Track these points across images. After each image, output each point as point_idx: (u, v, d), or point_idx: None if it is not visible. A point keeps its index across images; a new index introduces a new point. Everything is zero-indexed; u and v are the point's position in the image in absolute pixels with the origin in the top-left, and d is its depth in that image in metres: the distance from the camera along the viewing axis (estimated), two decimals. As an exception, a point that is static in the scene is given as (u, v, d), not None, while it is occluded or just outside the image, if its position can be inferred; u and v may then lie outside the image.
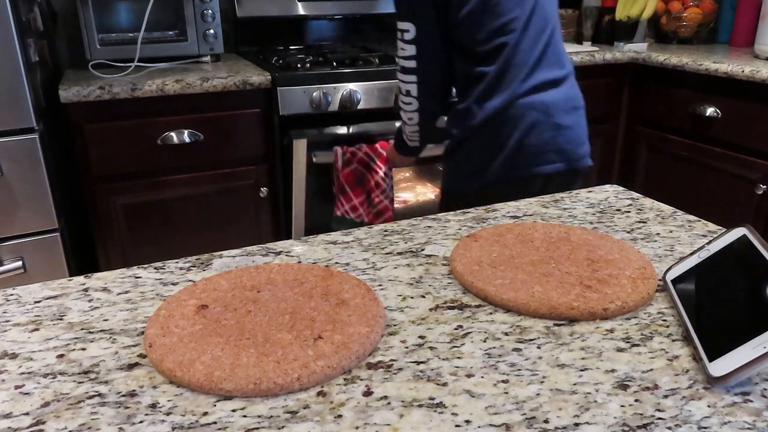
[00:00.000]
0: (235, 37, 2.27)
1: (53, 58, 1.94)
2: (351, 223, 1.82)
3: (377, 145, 1.82)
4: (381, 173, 1.80)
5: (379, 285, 0.65)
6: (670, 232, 0.78)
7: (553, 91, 1.30)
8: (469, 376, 0.50)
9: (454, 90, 1.40)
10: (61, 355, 0.53)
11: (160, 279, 0.67)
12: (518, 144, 1.28)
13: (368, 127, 1.87)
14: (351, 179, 1.80)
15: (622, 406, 0.46)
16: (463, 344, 0.54)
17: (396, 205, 1.91)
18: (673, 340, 0.55)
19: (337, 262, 0.70)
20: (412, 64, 1.33)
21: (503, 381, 0.49)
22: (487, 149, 1.31)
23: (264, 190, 1.90)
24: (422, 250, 0.73)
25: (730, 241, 0.58)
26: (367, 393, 0.48)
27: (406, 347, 0.54)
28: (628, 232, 0.78)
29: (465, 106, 1.32)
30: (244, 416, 0.46)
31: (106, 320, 0.59)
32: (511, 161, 1.29)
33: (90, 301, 0.62)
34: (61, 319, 0.59)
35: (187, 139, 1.76)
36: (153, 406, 0.47)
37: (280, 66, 1.90)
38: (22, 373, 0.51)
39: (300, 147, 1.80)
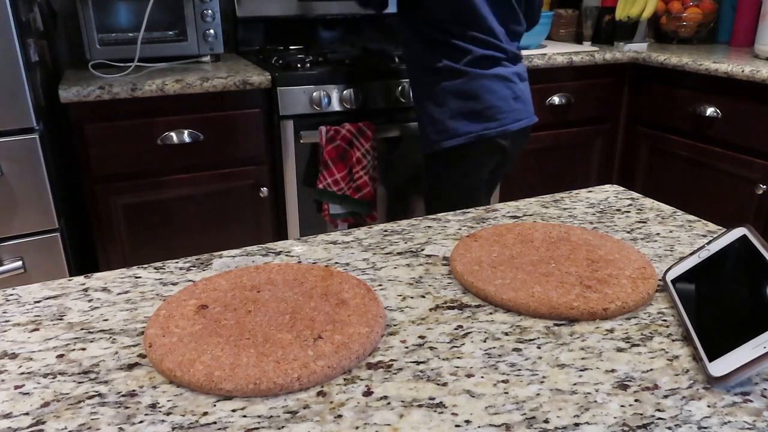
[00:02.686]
0: (235, 37, 2.27)
1: (53, 58, 1.94)
2: (332, 196, 1.88)
3: (361, 124, 1.85)
4: (363, 150, 1.86)
5: (379, 285, 0.65)
6: (670, 232, 0.78)
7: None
8: (469, 376, 0.50)
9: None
10: (61, 355, 0.53)
11: (160, 279, 0.67)
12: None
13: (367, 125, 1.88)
14: (333, 155, 1.85)
15: (622, 406, 0.46)
16: (463, 344, 0.54)
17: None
18: (673, 340, 0.55)
19: (337, 262, 0.70)
20: None
21: (503, 381, 0.49)
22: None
23: (264, 190, 1.90)
24: (422, 250, 0.73)
25: (730, 241, 0.58)
26: (367, 393, 0.48)
27: (406, 347, 0.54)
28: (628, 232, 0.78)
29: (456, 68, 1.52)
30: (244, 416, 0.46)
31: (106, 320, 0.59)
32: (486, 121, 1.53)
33: (90, 301, 0.62)
34: (61, 319, 0.59)
35: (187, 139, 1.76)
36: (153, 406, 0.47)
37: (280, 66, 1.90)
38: (22, 373, 0.51)
39: (287, 127, 1.83)
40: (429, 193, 1.69)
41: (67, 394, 0.48)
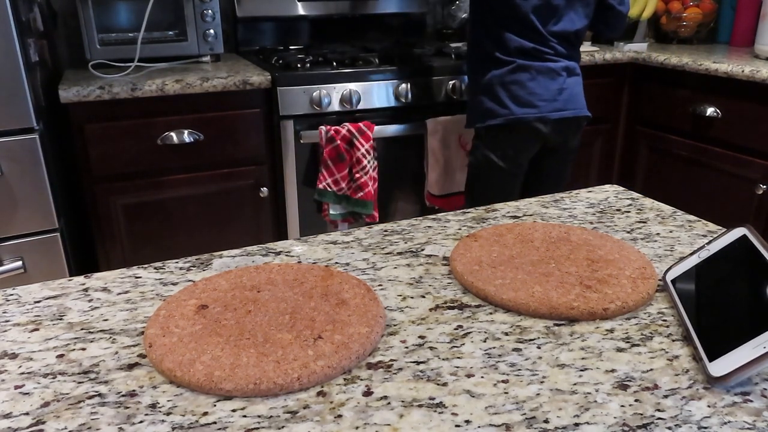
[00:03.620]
0: (235, 37, 2.27)
1: (53, 58, 1.94)
2: (332, 196, 1.89)
3: (361, 124, 1.85)
4: (363, 150, 1.86)
5: (379, 285, 0.65)
6: (670, 232, 0.78)
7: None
8: (469, 376, 0.50)
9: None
10: (61, 355, 0.53)
11: (160, 279, 0.67)
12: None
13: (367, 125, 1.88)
14: (334, 155, 1.85)
15: (622, 406, 0.46)
16: (463, 344, 0.54)
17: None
18: (673, 340, 0.55)
19: (337, 262, 0.70)
20: None
21: (503, 381, 0.49)
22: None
23: (264, 190, 1.90)
24: (422, 250, 0.73)
25: (730, 241, 0.58)
26: (367, 393, 0.48)
27: (406, 347, 0.54)
28: (628, 232, 0.78)
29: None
30: (244, 416, 0.46)
31: (106, 320, 0.59)
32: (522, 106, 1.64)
33: (90, 301, 0.62)
34: (61, 319, 0.59)
35: (187, 139, 1.76)
36: (153, 406, 0.47)
37: (280, 66, 1.90)
38: (22, 373, 0.51)
39: (287, 127, 1.83)
40: (470, 176, 1.80)
41: (67, 394, 0.48)
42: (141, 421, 0.45)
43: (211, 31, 1.97)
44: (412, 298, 0.62)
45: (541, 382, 0.49)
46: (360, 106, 1.88)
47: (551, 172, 1.81)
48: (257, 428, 0.44)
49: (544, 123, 1.65)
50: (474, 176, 1.78)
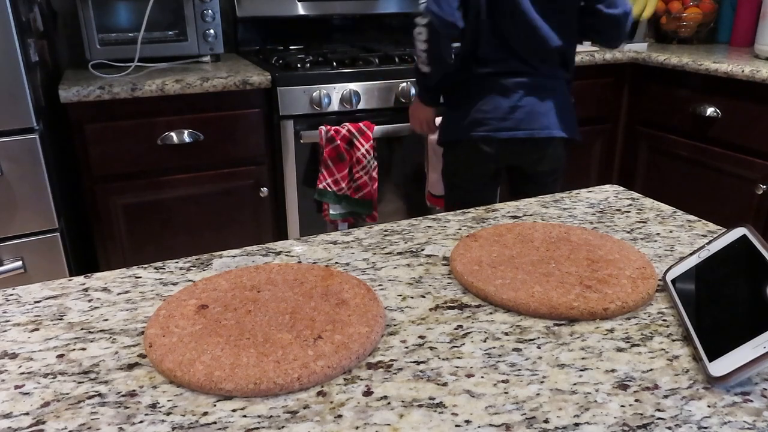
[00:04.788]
0: (235, 37, 2.27)
1: (53, 58, 1.94)
2: (332, 196, 1.89)
3: (361, 124, 1.85)
4: (363, 150, 1.86)
5: (379, 285, 0.65)
6: (670, 232, 0.78)
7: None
8: (469, 376, 0.50)
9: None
10: (61, 355, 0.53)
11: (160, 279, 0.67)
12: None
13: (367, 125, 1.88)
14: (333, 155, 1.85)
15: (622, 406, 0.46)
16: (463, 344, 0.54)
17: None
18: (673, 340, 0.55)
19: (337, 262, 0.70)
20: None
21: (503, 381, 0.49)
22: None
23: (264, 190, 1.90)
24: (422, 250, 0.73)
25: (730, 241, 0.58)
26: (367, 393, 0.48)
27: (406, 347, 0.54)
28: (628, 232, 0.78)
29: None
30: (244, 416, 0.46)
31: (106, 320, 0.59)
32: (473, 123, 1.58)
33: (90, 301, 0.62)
34: (61, 319, 0.59)
35: (187, 139, 1.76)
36: (153, 406, 0.47)
37: (280, 66, 1.90)
38: (22, 373, 0.51)
39: (287, 127, 1.84)
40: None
41: (67, 394, 0.48)
42: (141, 421, 0.45)
43: (211, 31, 1.97)
44: (412, 298, 0.62)
45: (541, 382, 0.49)
46: (360, 106, 1.88)
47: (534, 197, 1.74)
48: (257, 428, 0.44)
49: (489, 142, 1.56)
50: (445, 190, 1.79)
